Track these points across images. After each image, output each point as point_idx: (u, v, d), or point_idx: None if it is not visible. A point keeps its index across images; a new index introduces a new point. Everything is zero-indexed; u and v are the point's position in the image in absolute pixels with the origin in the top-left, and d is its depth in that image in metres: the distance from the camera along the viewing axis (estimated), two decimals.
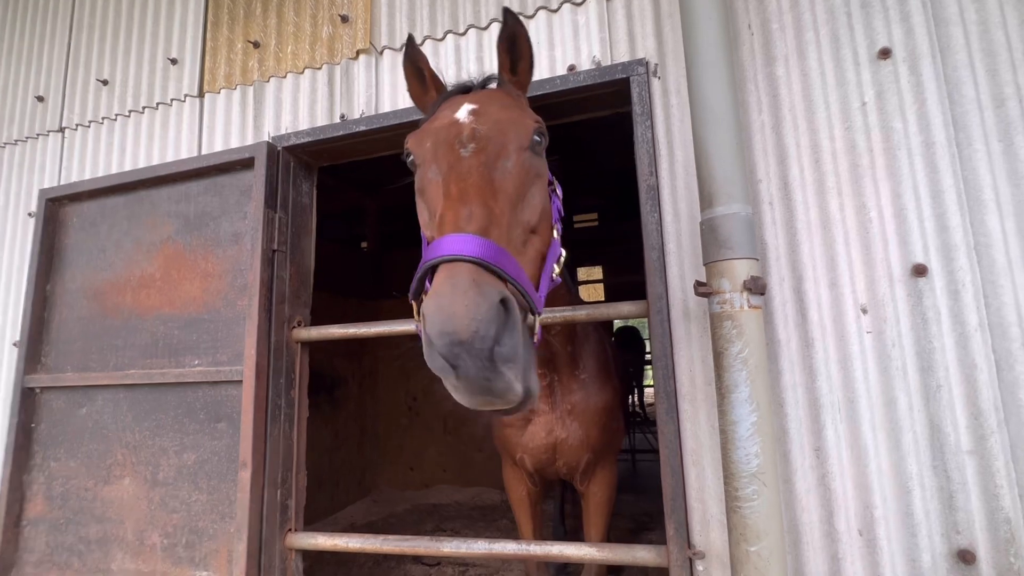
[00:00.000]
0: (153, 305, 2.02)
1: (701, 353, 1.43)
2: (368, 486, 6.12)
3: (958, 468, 1.24)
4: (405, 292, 1.07)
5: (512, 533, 4.11)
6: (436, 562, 4.18)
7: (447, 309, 0.81)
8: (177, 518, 1.84)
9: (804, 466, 1.34)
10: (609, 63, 1.64)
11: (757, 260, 1.26)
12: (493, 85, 1.39)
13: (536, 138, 1.17)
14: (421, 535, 4.99)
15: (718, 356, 1.23)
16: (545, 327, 1.60)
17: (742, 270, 1.22)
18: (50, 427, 2.11)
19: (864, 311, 1.35)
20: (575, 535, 3.78)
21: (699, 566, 1.36)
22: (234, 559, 1.69)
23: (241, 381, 1.78)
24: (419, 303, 0.98)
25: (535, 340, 1.00)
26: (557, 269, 1.20)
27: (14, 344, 2.25)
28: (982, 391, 1.24)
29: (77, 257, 2.21)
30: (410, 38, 1.41)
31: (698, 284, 1.30)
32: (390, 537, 1.71)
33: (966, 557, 1.20)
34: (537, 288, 1.08)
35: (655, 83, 1.59)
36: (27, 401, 2.13)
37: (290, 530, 1.82)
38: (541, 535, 2.24)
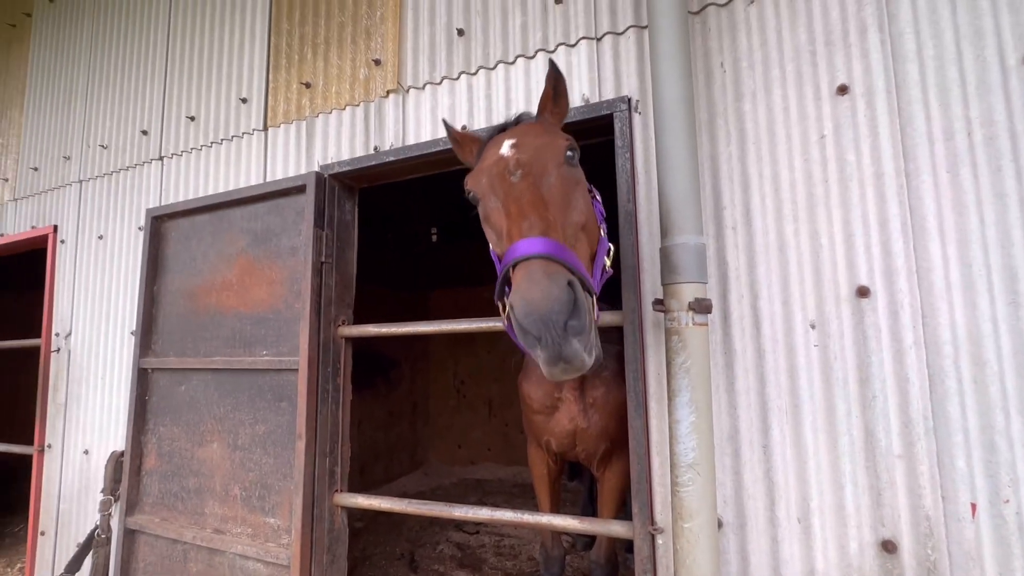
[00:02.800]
0: (231, 305, 2.49)
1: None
2: (420, 460, 6.69)
3: (887, 469, 1.39)
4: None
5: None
6: (475, 530, 4.62)
7: (528, 296, 1.02)
8: (252, 476, 2.32)
9: (752, 460, 1.54)
10: (597, 100, 1.85)
11: (704, 283, 1.45)
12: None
13: (568, 153, 1.34)
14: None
15: (668, 365, 1.45)
16: None
17: (689, 292, 1.42)
18: (159, 400, 2.67)
19: (812, 326, 1.50)
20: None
21: (659, 539, 1.61)
22: (294, 510, 2.13)
23: (297, 369, 2.19)
24: (503, 304, 1.26)
25: (596, 318, 1.22)
26: (608, 261, 1.40)
27: (131, 333, 2.83)
28: (913, 402, 1.38)
29: (175, 264, 2.73)
30: (444, 123, 1.66)
31: (656, 302, 1.52)
32: (413, 501, 2.08)
33: (888, 547, 1.37)
34: (592, 276, 1.28)
35: (636, 118, 1.78)
36: (142, 378, 2.70)
37: (337, 490, 2.24)
38: (557, 508, 2.53)
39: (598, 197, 1.50)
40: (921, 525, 1.35)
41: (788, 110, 1.59)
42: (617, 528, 1.73)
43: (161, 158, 2.94)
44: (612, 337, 2.16)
